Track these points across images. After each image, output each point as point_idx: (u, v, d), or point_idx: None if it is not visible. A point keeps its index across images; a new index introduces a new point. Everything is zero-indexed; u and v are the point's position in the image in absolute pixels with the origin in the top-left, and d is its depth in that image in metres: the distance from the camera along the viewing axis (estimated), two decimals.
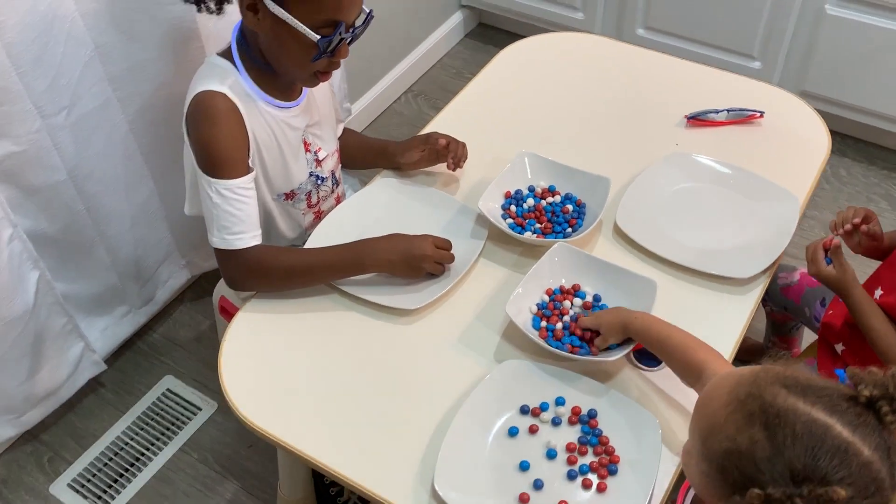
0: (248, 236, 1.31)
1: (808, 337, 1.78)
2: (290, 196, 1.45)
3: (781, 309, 1.61)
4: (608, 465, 1.09)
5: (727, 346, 1.23)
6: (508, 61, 1.80)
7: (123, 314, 1.90)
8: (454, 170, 1.49)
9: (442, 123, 1.63)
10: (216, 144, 1.29)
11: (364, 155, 1.60)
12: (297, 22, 1.20)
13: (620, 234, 1.40)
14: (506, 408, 1.16)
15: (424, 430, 1.15)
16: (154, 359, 1.98)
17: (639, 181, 1.47)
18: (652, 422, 1.12)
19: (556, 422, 1.15)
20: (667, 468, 1.09)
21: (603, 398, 1.17)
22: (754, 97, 1.64)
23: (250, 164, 1.33)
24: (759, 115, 1.60)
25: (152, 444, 1.82)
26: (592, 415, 1.15)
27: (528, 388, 1.18)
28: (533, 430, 1.14)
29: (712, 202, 1.44)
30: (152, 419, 1.86)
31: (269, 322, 1.31)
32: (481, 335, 1.27)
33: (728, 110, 1.61)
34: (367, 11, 1.29)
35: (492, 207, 1.41)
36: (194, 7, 1.33)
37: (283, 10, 1.20)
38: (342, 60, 1.30)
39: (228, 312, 1.69)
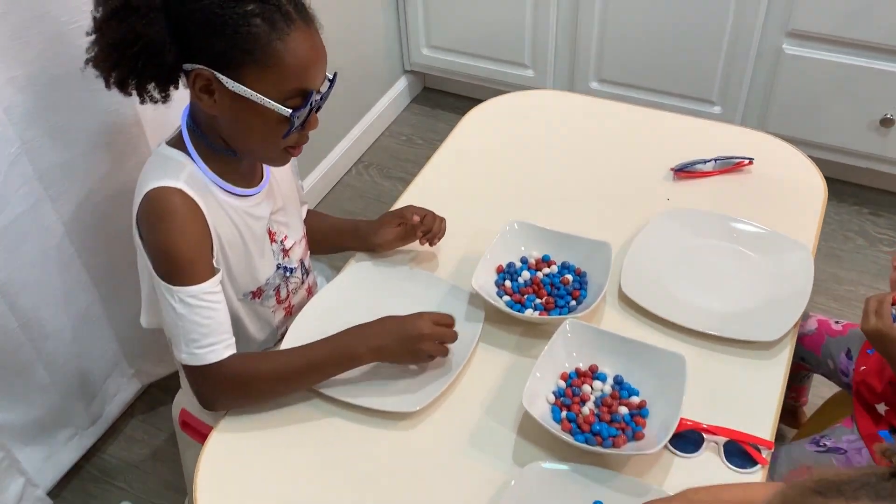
0: (220, 346, 1.13)
1: (819, 384, 1.68)
2: (257, 294, 1.29)
3: (798, 360, 1.50)
4: None
5: (766, 419, 1.11)
6: (475, 124, 1.69)
7: (68, 438, 1.68)
8: (428, 244, 1.35)
9: (415, 195, 1.50)
10: (176, 248, 1.11)
11: (333, 238, 1.45)
12: (262, 98, 1.06)
13: (627, 302, 1.27)
14: None
15: None
16: (106, 484, 1.76)
17: (638, 242, 1.36)
18: None
19: None
20: None
21: (645, 497, 1.02)
22: (739, 144, 1.56)
23: (215, 265, 1.17)
24: (747, 161, 1.52)
25: None
26: None
27: (558, 495, 1.03)
28: None
29: (720, 259, 1.34)
30: None
31: (246, 443, 1.14)
32: (495, 434, 1.12)
33: (716, 159, 1.52)
34: (331, 77, 1.16)
35: (485, 284, 1.28)
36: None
37: (244, 88, 1.05)
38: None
39: (191, 427, 1.50)
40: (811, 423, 1.54)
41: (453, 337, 1.18)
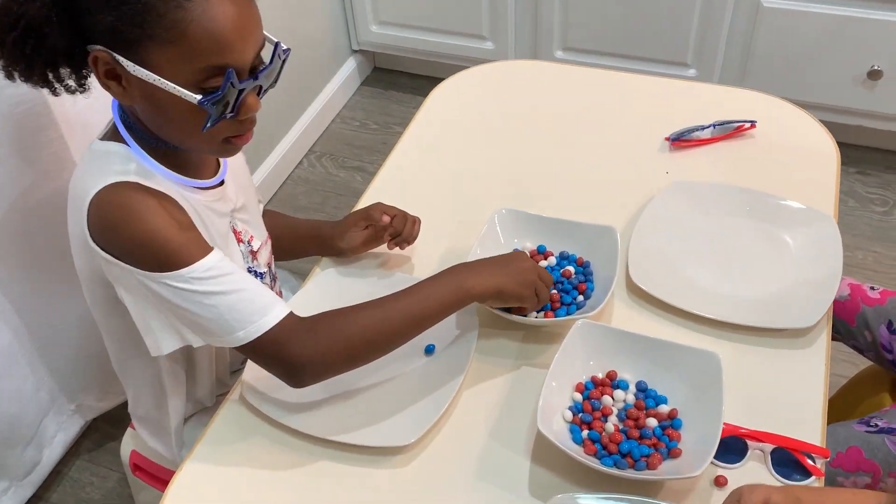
0: (277, 308, 0.92)
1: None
2: None
3: (836, 335, 1.35)
4: None
5: (814, 420, 0.96)
6: (440, 103, 1.51)
7: (2, 492, 1.46)
8: (398, 248, 1.17)
9: (381, 189, 1.31)
10: (160, 231, 0.89)
11: (292, 242, 1.25)
12: (168, 83, 0.85)
13: (638, 293, 1.11)
14: None
15: None
16: None
17: (642, 224, 1.19)
18: None
19: None
20: None
21: None
22: (736, 107, 1.41)
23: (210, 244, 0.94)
24: (749, 125, 1.37)
25: None
26: None
27: None
28: None
29: (736, 237, 1.19)
30: None
31: (215, 491, 0.95)
32: (505, 463, 0.95)
33: (714, 125, 1.36)
34: (276, 44, 0.94)
35: None
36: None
37: (145, 71, 0.84)
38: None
39: (144, 471, 1.31)
40: (839, 401, 1.40)
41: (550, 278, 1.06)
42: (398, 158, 1.38)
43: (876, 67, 1.94)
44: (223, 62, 0.86)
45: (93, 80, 0.93)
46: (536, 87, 1.53)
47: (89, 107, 1.22)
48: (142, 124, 0.95)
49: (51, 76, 0.90)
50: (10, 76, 0.90)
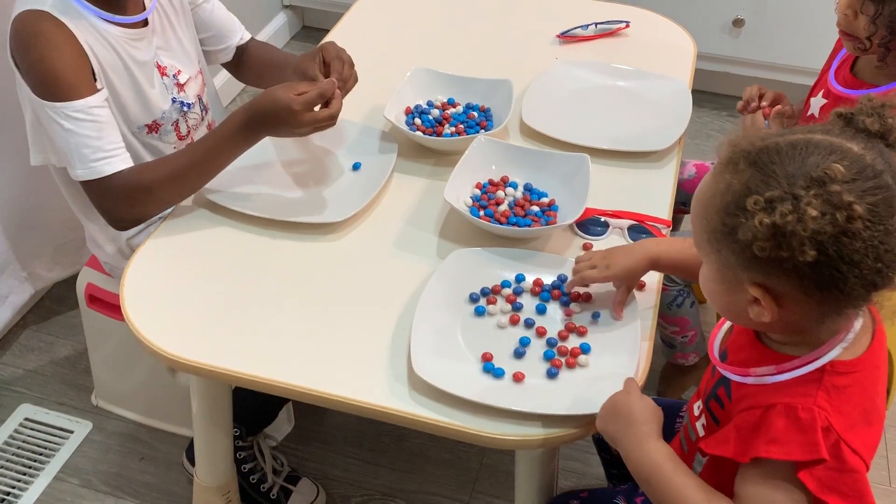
0: (116, 159, 1.14)
1: None
2: (153, 128, 1.28)
3: (679, 205, 1.63)
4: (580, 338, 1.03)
5: (662, 206, 1.23)
6: (365, 12, 1.74)
7: None
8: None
9: None
10: (53, 66, 1.11)
11: (268, 71, 1.43)
12: None
13: (530, 133, 1.36)
14: (465, 292, 1.07)
15: (383, 332, 1.03)
16: (2, 389, 1.67)
17: (533, 86, 1.45)
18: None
19: (517, 292, 1.08)
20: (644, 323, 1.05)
21: (563, 268, 1.10)
22: (615, 15, 1.69)
23: (98, 86, 1.16)
24: (625, 25, 1.65)
25: (19, 480, 1.52)
26: (556, 285, 1.08)
27: (485, 271, 1.10)
28: (493, 303, 1.06)
29: (608, 94, 1.46)
30: (14, 453, 1.56)
31: (174, 258, 1.14)
32: (417, 237, 1.18)
33: (595, 24, 1.64)
34: None
35: (397, 118, 1.33)
36: None
37: None
38: None
39: (99, 301, 1.48)
40: None
41: (316, 95, 1.14)
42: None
43: (739, 16, 2.28)
44: None
45: None
46: (452, 3, 1.77)
47: None
48: None
49: None
50: None
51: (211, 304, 1.08)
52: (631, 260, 1.05)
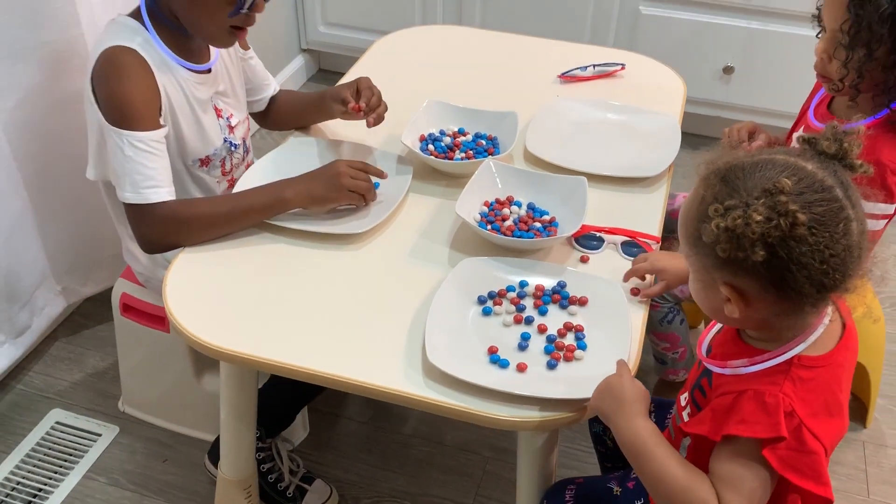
0: (162, 190, 1.27)
1: None
2: (205, 162, 1.42)
3: (668, 234, 1.75)
4: (576, 335, 1.14)
5: (653, 225, 1.35)
6: (383, 52, 1.89)
7: None
8: (370, 122, 1.46)
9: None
10: (127, 97, 1.25)
11: (305, 109, 1.58)
12: None
13: (533, 159, 1.49)
14: (474, 295, 1.19)
15: (399, 327, 1.15)
16: (34, 396, 1.78)
17: (536, 118, 1.59)
18: (613, 286, 1.19)
19: (521, 296, 1.20)
20: (635, 323, 1.16)
21: (563, 276, 1.23)
22: (611, 58, 1.84)
23: (162, 122, 1.30)
24: (620, 67, 1.80)
25: (51, 478, 1.62)
26: (556, 290, 1.20)
27: (491, 277, 1.22)
28: (499, 304, 1.18)
29: (604, 126, 1.59)
30: (45, 453, 1.66)
31: (212, 262, 1.26)
32: (430, 248, 1.30)
33: (594, 65, 1.79)
34: None
35: (413, 144, 1.46)
36: None
37: None
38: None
39: (133, 309, 1.60)
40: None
41: (364, 167, 1.33)
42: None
43: (729, 64, 2.43)
44: None
45: None
46: (460, 45, 1.93)
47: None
48: (167, 9, 1.30)
49: None
50: None
51: (245, 301, 1.20)
52: (676, 262, 1.19)
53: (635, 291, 1.20)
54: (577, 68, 1.78)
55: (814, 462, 0.89)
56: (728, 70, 2.44)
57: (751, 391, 0.90)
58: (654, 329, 1.63)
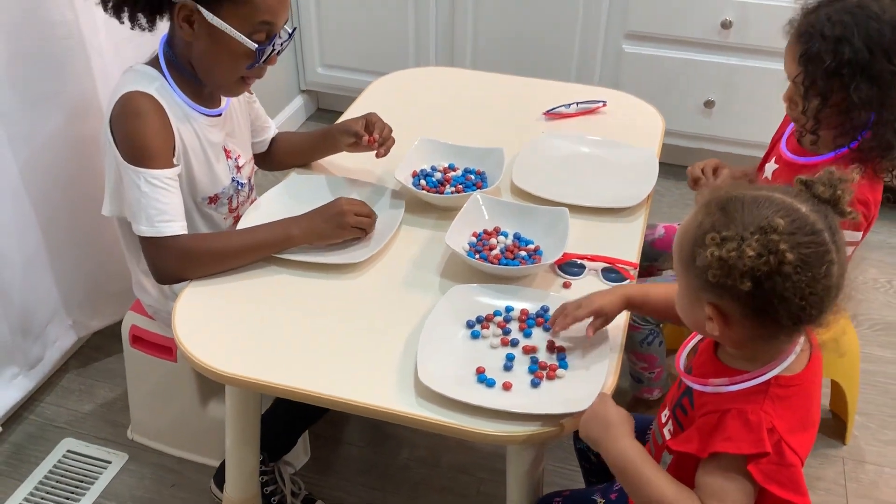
0: (175, 225, 1.35)
1: None
2: (213, 200, 1.51)
3: (648, 262, 1.84)
4: (559, 355, 1.22)
5: (632, 252, 1.43)
6: (380, 92, 2.00)
7: (12, 377, 1.79)
8: (380, 153, 1.56)
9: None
10: (143, 137, 1.35)
11: (309, 146, 1.68)
12: (235, 31, 1.32)
13: (519, 192, 1.58)
14: (463, 319, 1.27)
15: (393, 351, 1.23)
16: (47, 426, 1.86)
17: (523, 154, 1.68)
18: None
19: (507, 320, 1.28)
20: (614, 345, 1.24)
21: (546, 300, 1.31)
22: (594, 96, 1.94)
23: (175, 162, 1.39)
24: (602, 104, 1.90)
25: (64, 502, 1.69)
26: (540, 314, 1.29)
27: (479, 303, 1.30)
28: (486, 328, 1.26)
29: (586, 161, 1.69)
30: (58, 480, 1.73)
31: (218, 293, 1.34)
32: (422, 277, 1.39)
33: (577, 103, 1.89)
34: (290, 31, 1.43)
35: (405, 180, 1.56)
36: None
37: (220, 21, 1.31)
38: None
39: (142, 341, 1.68)
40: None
41: (366, 208, 1.43)
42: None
43: (710, 99, 2.54)
44: (270, 19, 1.35)
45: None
46: (452, 85, 2.03)
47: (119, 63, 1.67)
48: (184, 59, 1.41)
49: (139, 16, 1.36)
50: (106, 9, 1.35)
51: (249, 329, 1.28)
52: (608, 297, 1.24)
53: (590, 333, 1.22)
54: (562, 106, 1.88)
55: (793, 474, 0.97)
56: (709, 104, 2.55)
57: (734, 410, 0.97)
58: (634, 349, 1.71)
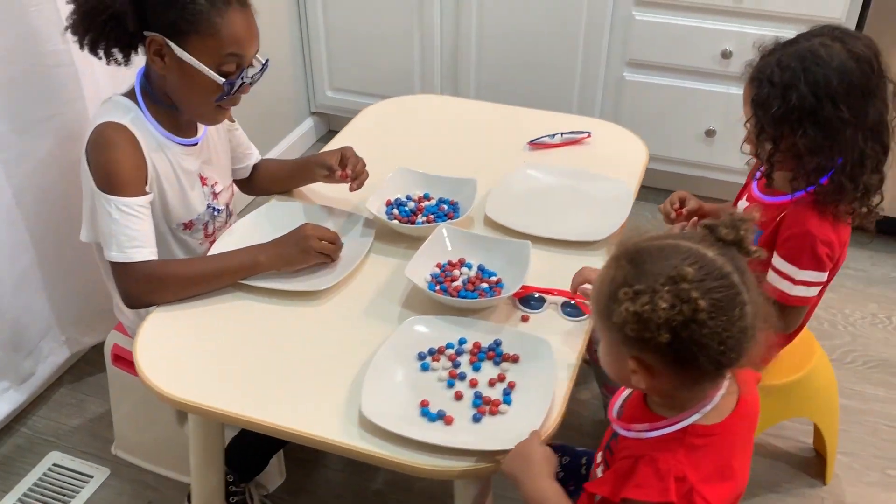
0: (145, 250, 1.39)
1: None
2: (188, 226, 1.55)
3: None
4: (504, 390, 1.23)
5: None
6: (371, 118, 2.03)
7: (3, 390, 1.85)
8: (353, 187, 1.59)
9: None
10: (115, 166, 1.39)
11: (289, 174, 1.72)
12: (202, 66, 1.36)
13: (491, 224, 1.60)
14: (415, 351, 1.29)
15: (344, 381, 1.25)
16: (36, 439, 1.91)
17: (499, 185, 1.69)
18: (544, 344, 1.28)
19: (458, 353, 1.29)
20: (561, 381, 1.25)
21: (500, 334, 1.32)
22: (580, 126, 1.95)
23: (147, 190, 1.44)
24: (586, 135, 1.90)
25: None
26: (492, 347, 1.30)
27: (433, 334, 1.32)
28: (436, 360, 1.28)
29: (562, 193, 1.69)
30: (42, 493, 1.78)
31: (181, 319, 1.38)
32: (384, 306, 1.41)
33: (561, 133, 1.90)
34: (263, 62, 1.46)
35: (378, 212, 1.58)
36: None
37: (188, 55, 1.35)
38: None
39: (123, 360, 1.72)
40: None
41: (331, 234, 1.46)
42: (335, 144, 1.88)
43: (711, 128, 2.53)
44: (237, 51, 1.38)
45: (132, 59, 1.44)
46: (440, 113, 2.06)
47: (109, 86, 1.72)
48: (160, 90, 1.45)
49: (114, 51, 1.40)
50: (81, 47, 1.40)
51: (209, 356, 1.31)
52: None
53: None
54: (546, 136, 1.89)
55: None
56: (710, 133, 2.53)
57: (647, 457, 0.98)
58: (606, 383, 1.70)
